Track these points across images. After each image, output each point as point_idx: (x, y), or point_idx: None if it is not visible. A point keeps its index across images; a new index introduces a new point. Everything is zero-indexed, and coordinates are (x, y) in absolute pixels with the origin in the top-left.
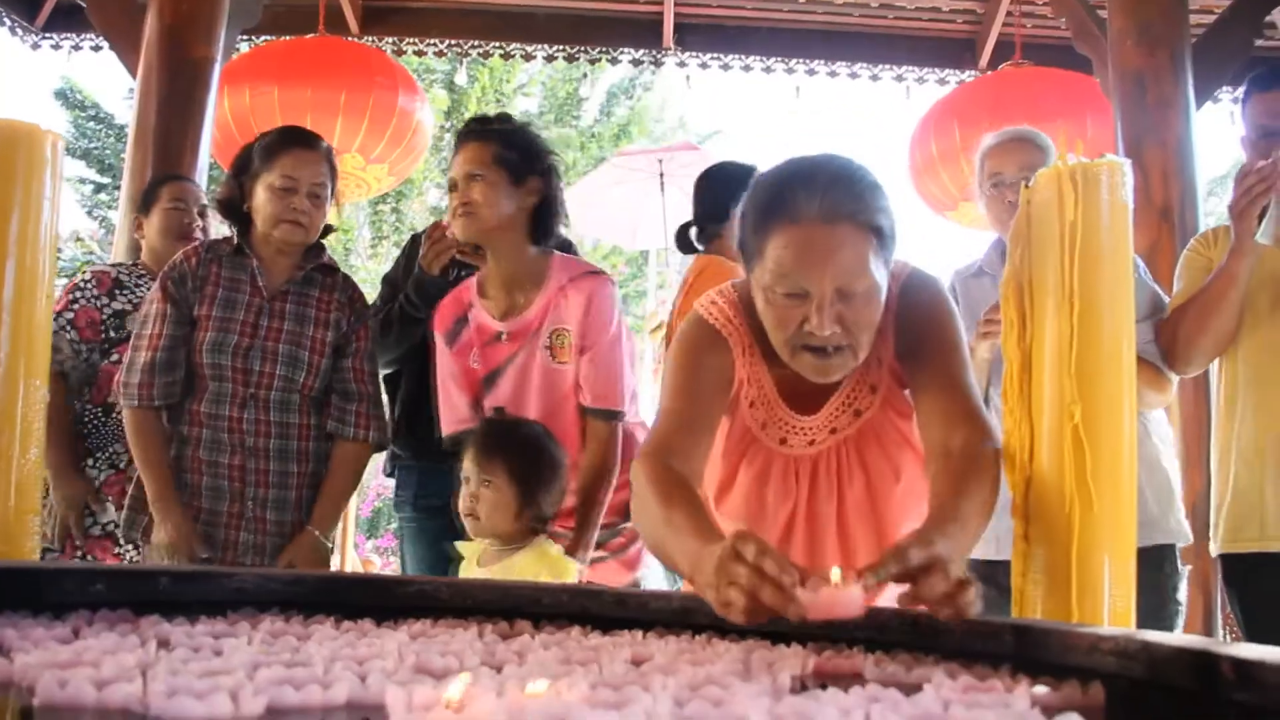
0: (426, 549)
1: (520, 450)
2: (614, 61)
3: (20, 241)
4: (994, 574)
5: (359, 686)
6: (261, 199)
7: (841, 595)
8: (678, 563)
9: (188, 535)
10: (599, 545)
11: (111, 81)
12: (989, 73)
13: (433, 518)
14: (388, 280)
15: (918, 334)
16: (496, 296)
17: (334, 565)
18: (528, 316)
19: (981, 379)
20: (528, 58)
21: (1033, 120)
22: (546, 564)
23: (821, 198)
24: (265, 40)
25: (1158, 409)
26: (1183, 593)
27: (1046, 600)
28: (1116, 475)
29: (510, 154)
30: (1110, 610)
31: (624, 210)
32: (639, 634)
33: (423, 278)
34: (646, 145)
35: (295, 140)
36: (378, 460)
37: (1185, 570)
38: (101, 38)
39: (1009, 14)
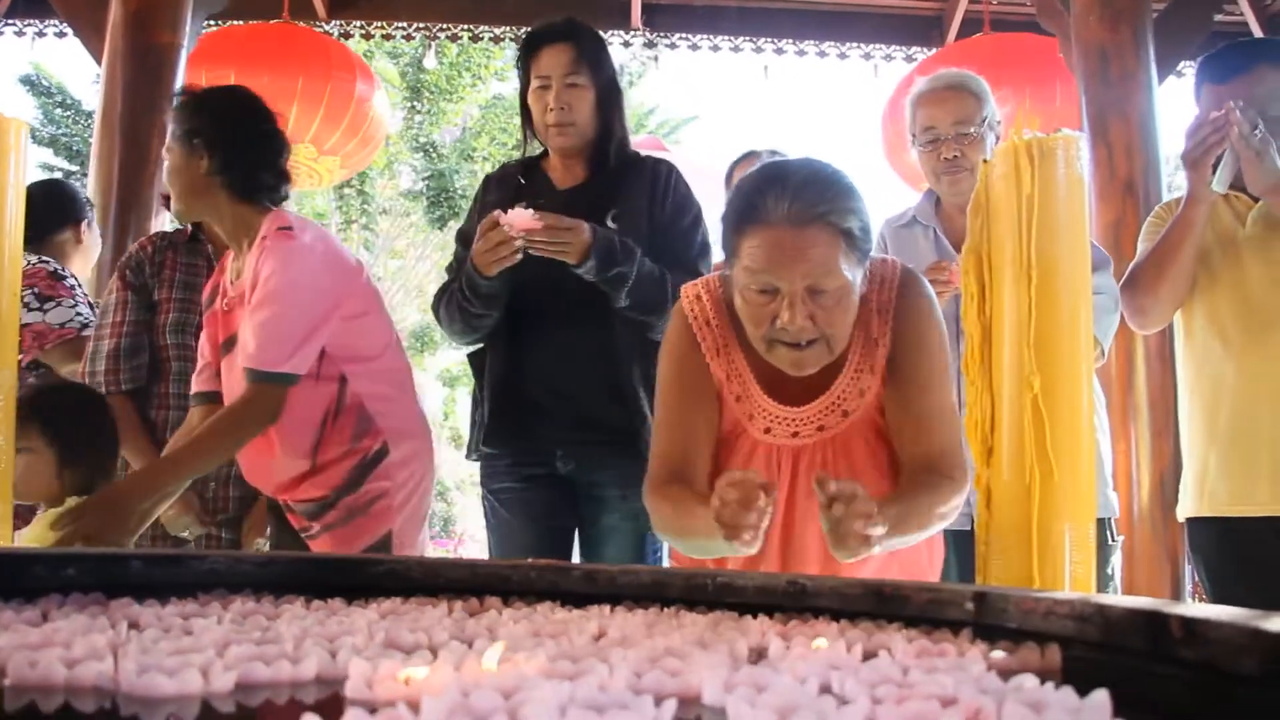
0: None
1: (56, 412)
2: None
3: None
4: None
5: (329, 661)
6: None
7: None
8: (713, 538)
9: (196, 508)
10: (311, 518)
11: (79, 67)
12: (954, 43)
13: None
14: (461, 236)
15: (909, 338)
16: (234, 259)
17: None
18: (242, 281)
19: None
20: (496, 40)
21: (999, 88)
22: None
23: (791, 200)
24: (230, 25)
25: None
26: (1115, 564)
27: (1009, 567)
28: (1075, 444)
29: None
30: (1071, 576)
31: None
32: (608, 608)
33: (475, 278)
34: None
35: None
36: None
37: (1119, 541)
38: (65, 24)
39: None
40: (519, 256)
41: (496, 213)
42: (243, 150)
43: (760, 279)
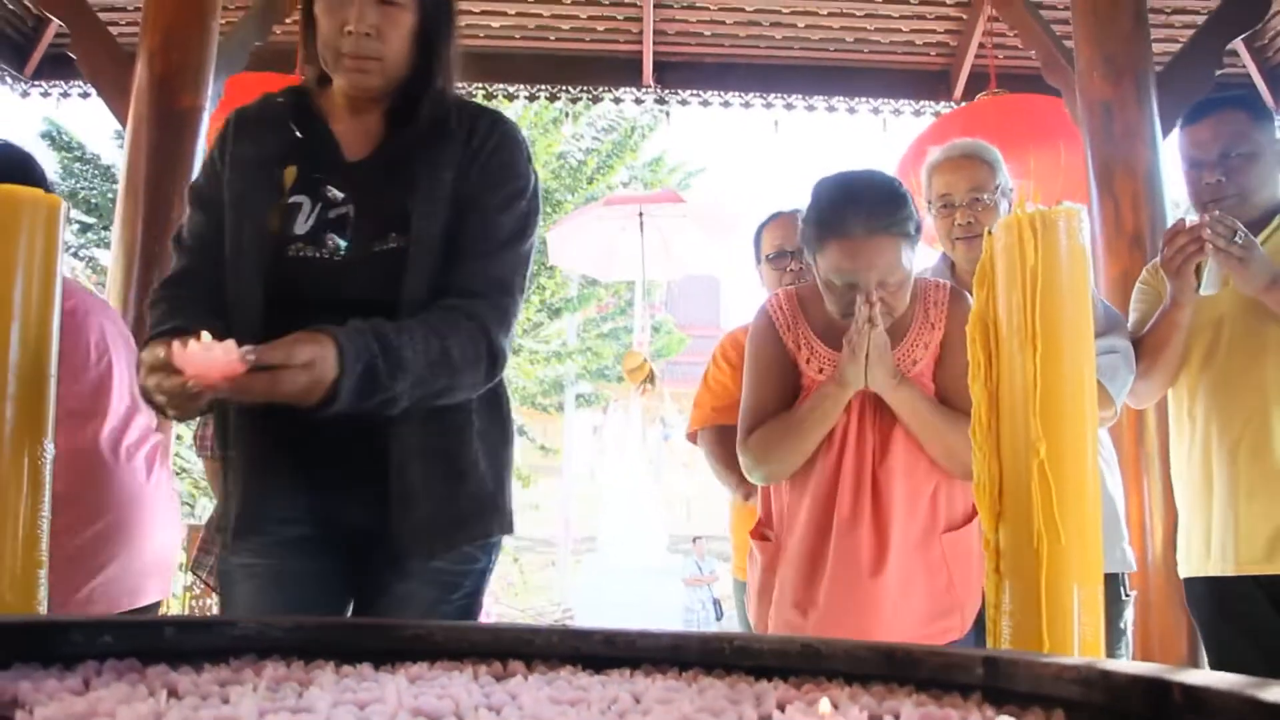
0: None
1: None
2: (595, 100)
3: (24, 304)
4: None
5: None
6: None
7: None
8: (819, 409)
9: None
10: None
11: (97, 123)
12: (962, 105)
13: None
14: (195, 195)
15: (959, 333)
16: None
17: None
18: None
19: None
20: (510, 98)
21: (1006, 149)
22: None
23: (865, 217)
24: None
25: (1101, 428)
26: (1128, 620)
27: (1019, 631)
28: (1081, 508)
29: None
30: (1080, 638)
31: (602, 243)
32: (628, 672)
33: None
34: (626, 178)
35: None
36: None
37: (1132, 597)
38: (90, 86)
39: (981, 45)
40: (205, 401)
41: (175, 347)
42: None
43: (843, 278)
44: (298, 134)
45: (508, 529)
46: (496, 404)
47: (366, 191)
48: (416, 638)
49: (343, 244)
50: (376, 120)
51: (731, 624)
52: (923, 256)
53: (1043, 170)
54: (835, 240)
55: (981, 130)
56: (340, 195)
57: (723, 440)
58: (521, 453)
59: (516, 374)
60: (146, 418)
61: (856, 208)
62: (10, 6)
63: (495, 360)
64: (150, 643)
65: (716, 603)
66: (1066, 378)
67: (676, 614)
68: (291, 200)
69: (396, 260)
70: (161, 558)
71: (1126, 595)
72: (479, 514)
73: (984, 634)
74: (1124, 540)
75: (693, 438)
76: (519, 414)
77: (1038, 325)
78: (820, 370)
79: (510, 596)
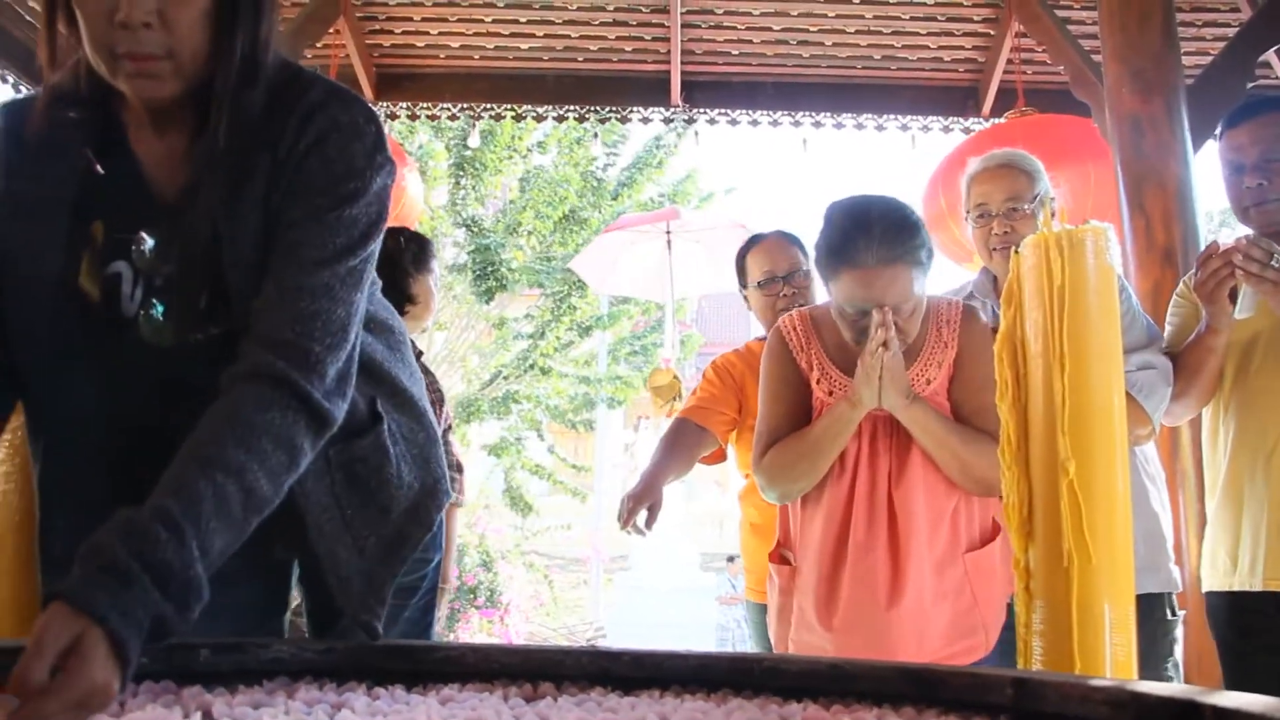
0: None
1: None
2: (623, 120)
3: None
4: None
5: None
6: None
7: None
8: (832, 429)
9: None
10: None
11: None
12: (991, 124)
13: None
14: None
15: (971, 350)
16: None
17: None
18: None
19: None
20: (539, 119)
21: (1051, 165)
22: None
23: (877, 246)
24: None
25: (1145, 445)
26: (1176, 639)
27: (1050, 651)
28: (1111, 527)
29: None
30: (1111, 659)
31: (634, 264)
32: (657, 693)
33: None
34: (654, 194)
35: None
36: None
37: (1180, 616)
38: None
39: (1009, 61)
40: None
41: None
42: None
43: (856, 306)
44: (98, 168)
45: (445, 503)
46: (406, 400)
47: (188, 244)
48: (447, 660)
49: (164, 320)
50: (185, 137)
51: (748, 646)
52: (960, 273)
53: (1073, 190)
54: (848, 269)
55: (1010, 146)
56: (161, 259)
57: (679, 430)
58: (552, 470)
59: (548, 392)
60: None
61: (869, 237)
62: None
63: (324, 422)
64: (185, 664)
65: None
66: (1095, 397)
67: (710, 633)
68: (109, 270)
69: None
70: None
71: (1174, 615)
72: (419, 523)
73: (1008, 652)
74: (1170, 559)
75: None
76: (550, 432)
77: (1065, 344)
78: (830, 392)
79: (542, 615)
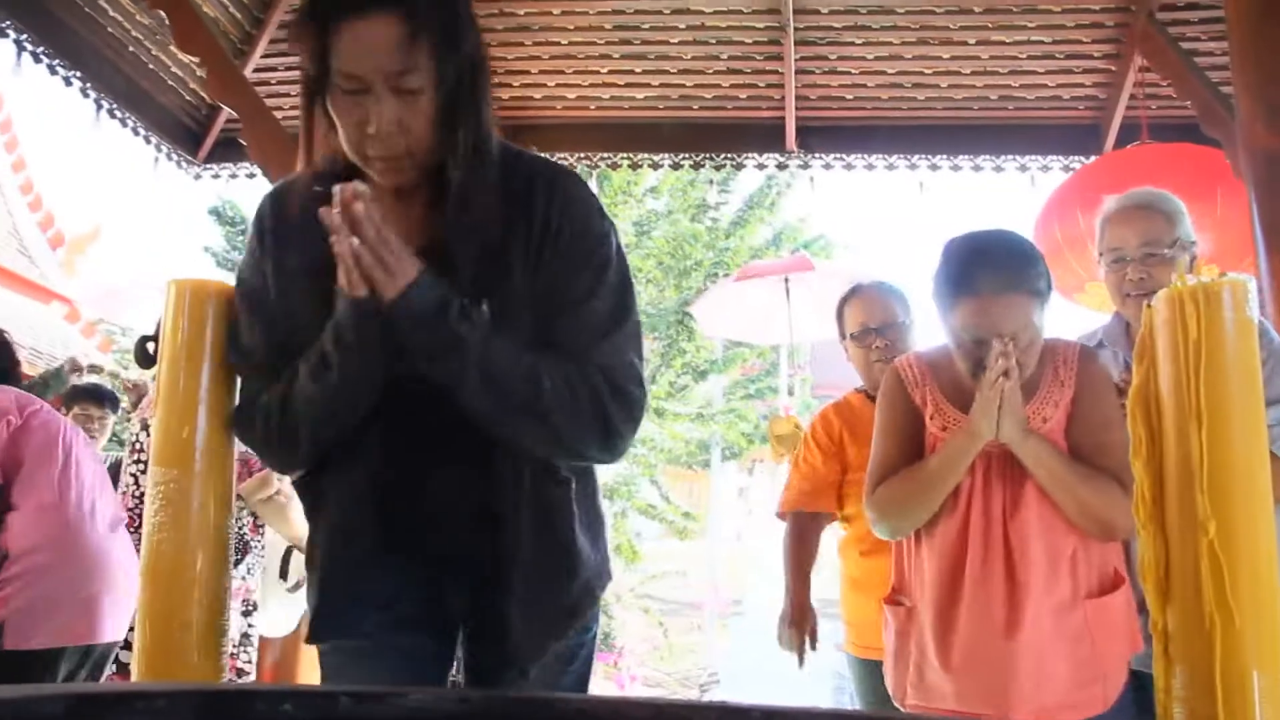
0: None
1: None
2: (738, 167)
3: (212, 392)
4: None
5: None
6: None
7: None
8: (949, 461)
9: None
10: None
11: (257, 198)
12: (1107, 155)
13: None
14: (246, 297)
15: (1092, 389)
16: None
17: None
18: None
19: None
20: (655, 166)
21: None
22: None
23: (995, 274)
24: None
25: None
26: None
27: (1191, 716)
28: (1257, 589)
29: None
30: None
31: (747, 310)
32: None
33: (344, 316)
34: (769, 235)
35: None
36: None
37: None
38: (257, 168)
39: (1132, 97)
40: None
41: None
42: None
43: (974, 335)
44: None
45: (608, 584)
46: (592, 495)
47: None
48: (580, 712)
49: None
50: (421, 209)
51: (848, 699)
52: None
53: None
54: (966, 298)
55: (1128, 179)
56: None
57: (800, 529)
58: (666, 515)
59: (662, 435)
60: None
61: (986, 266)
62: (186, 98)
63: (621, 410)
64: (327, 711)
65: None
66: (1236, 454)
67: (827, 680)
68: None
69: None
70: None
71: None
72: (589, 600)
73: (1128, 713)
74: None
75: (782, 518)
76: (664, 475)
77: (1203, 401)
78: (944, 428)
79: (656, 661)
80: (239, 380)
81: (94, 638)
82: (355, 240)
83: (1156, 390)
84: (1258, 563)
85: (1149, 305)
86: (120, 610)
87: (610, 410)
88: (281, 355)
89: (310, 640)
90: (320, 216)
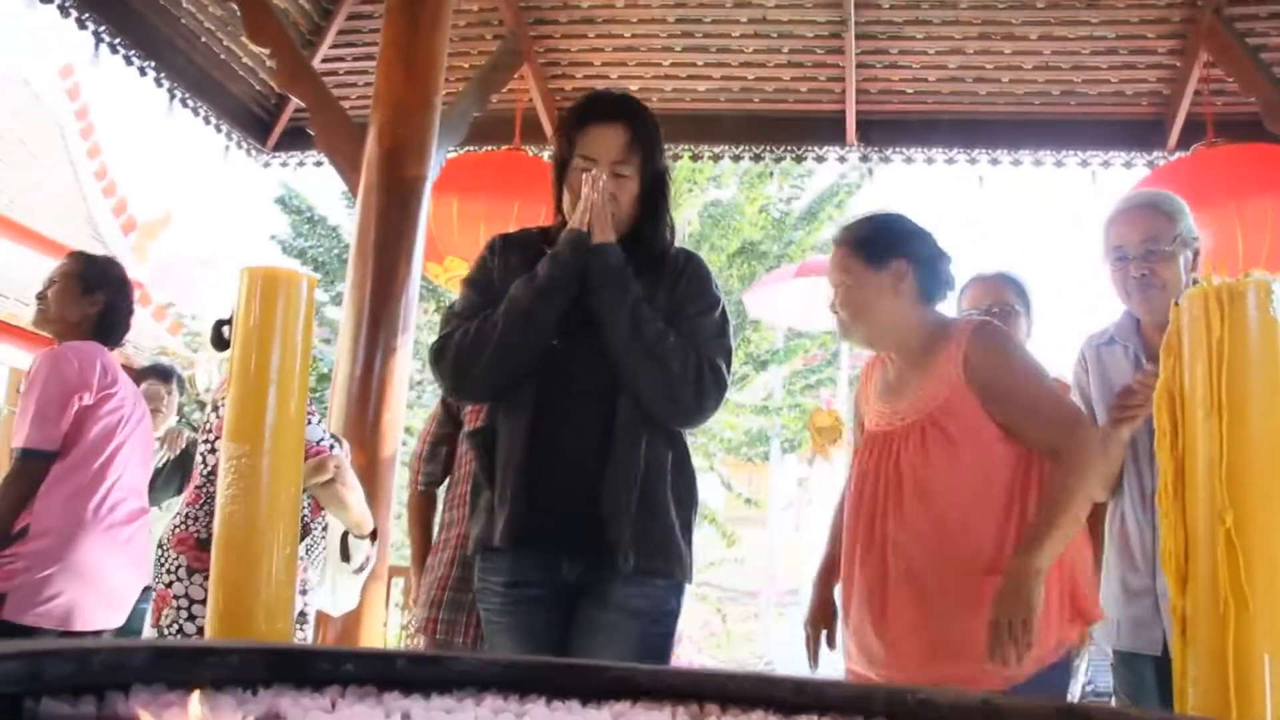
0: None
1: None
2: (799, 159)
3: (281, 373)
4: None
5: None
6: None
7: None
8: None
9: None
10: None
11: (325, 187)
12: (1179, 157)
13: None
14: (473, 284)
15: (991, 374)
16: None
17: None
18: None
19: (1116, 463)
20: (716, 158)
21: (1232, 199)
22: None
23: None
24: (466, 151)
25: None
26: None
27: (1205, 697)
28: (1272, 576)
29: None
30: (1272, 709)
31: (801, 297)
32: (815, 717)
33: (563, 250)
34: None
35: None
36: None
37: None
38: (324, 157)
39: (1196, 92)
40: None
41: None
42: None
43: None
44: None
45: (689, 577)
46: (685, 466)
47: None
48: (621, 679)
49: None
50: None
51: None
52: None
53: (1258, 225)
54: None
55: (1199, 182)
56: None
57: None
58: (726, 505)
59: (722, 426)
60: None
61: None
62: (256, 87)
63: (713, 381)
64: (385, 672)
65: None
66: (1256, 448)
67: None
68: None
69: None
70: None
71: None
72: (666, 552)
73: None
74: None
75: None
76: (724, 465)
77: (1224, 396)
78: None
79: (713, 647)
80: (441, 329)
81: (71, 625)
82: (596, 195)
83: (1181, 385)
84: (1272, 551)
85: (1176, 304)
86: (110, 604)
87: (706, 378)
88: (480, 311)
89: (501, 544)
90: (577, 178)
